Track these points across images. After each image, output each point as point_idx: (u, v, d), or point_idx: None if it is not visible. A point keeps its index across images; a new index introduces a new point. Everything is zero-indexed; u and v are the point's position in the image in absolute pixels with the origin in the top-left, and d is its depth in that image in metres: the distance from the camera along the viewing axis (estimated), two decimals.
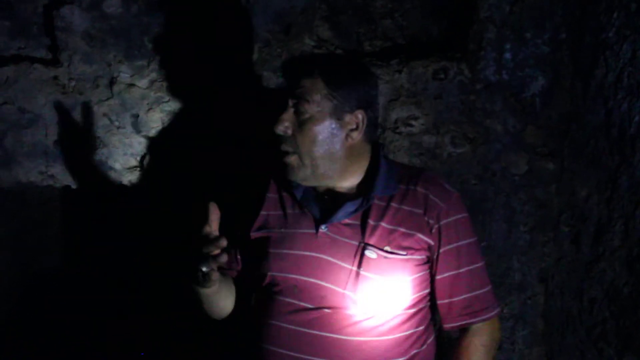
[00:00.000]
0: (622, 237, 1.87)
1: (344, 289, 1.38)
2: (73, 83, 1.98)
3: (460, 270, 1.45)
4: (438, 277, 1.46)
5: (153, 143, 2.04)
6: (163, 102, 2.01)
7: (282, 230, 1.48)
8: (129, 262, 2.34)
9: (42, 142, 2.00)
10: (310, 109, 1.40)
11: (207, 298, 1.46)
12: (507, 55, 2.02)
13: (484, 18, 2.00)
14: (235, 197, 1.58)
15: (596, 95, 1.94)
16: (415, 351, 1.44)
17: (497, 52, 2.02)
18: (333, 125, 1.41)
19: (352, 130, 1.44)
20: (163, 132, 2.03)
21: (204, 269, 1.27)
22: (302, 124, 1.40)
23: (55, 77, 1.98)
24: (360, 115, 1.44)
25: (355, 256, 1.40)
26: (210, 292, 1.41)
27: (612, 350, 1.89)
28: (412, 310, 1.44)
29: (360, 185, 1.48)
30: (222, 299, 1.53)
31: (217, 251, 1.26)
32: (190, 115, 2.03)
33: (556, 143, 2.04)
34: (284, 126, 1.41)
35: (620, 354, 1.87)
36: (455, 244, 1.45)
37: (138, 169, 2.05)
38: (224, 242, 1.25)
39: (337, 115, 1.42)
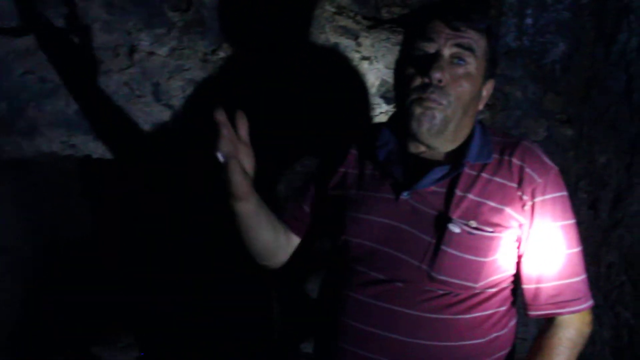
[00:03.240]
0: None
1: (420, 262, 1.26)
2: (93, 52, 1.96)
3: (552, 255, 1.29)
4: (526, 259, 1.31)
5: (174, 112, 2.04)
6: (184, 70, 2.00)
7: (360, 192, 1.37)
8: (150, 232, 2.37)
9: (63, 112, 1.99)
10: (473, 63, 1.27)
11: (243, 219, 1.34)
12: (528, 21, 2.01)
13: None
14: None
15: (618, 60, 1.94)
16: (495, 334, 1.31)
17: (518, 18, 2.01)
18: (479, 89, 1.30)
19: (483, 97, 1.35)
20: (184, 101, 2.03)
21: (219, 156, 1.19)
22: (459, 77, 1.26)
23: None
24: (491, 84, 1.36)
25: (436, 228, 1.27)
26: (244, 209, 1.31)
27: (628, 313, 1.93)
28: (493, 290, 1.30)
29: (451, 151, 1.34)
30: (258, 227, 1.40)
31: (224, 133, 1.19)
32: (212, 83, 2.02)
33: (575, 109, 2.05)
34: (444, 76, 1.25)
35: (636, 316, 1.91)
36: (549, 225, 1.28)
37: (159, 137, 2.06)
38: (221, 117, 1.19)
39: (484, 80, 1.32)
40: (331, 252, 1.44)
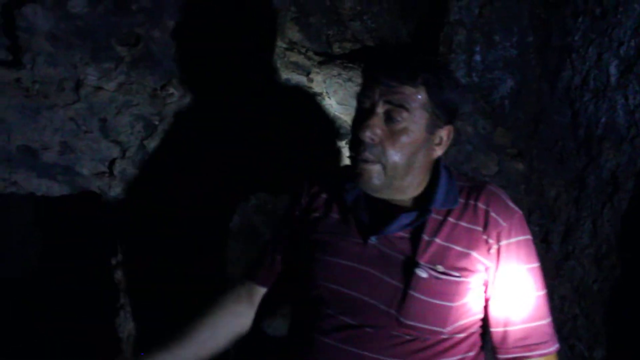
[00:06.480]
0: (591, 235, 1.92)
1: (389, 307, 1.26)
2: (37, 86, 1.89)
3: (519, 298, 1.30)
4: (493, 302, 1.31)
5: (122, 148, 1.98)
6: (132, 105, 1.96)
7: (329, 235, 1.35)
8: (94, 270, 2.28)
9: (4, 148, 1.91)
10: (408, 119, 1.26)
11: None
12: (477, 58, 2.04)
13: (454, 21, 2.02)
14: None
15: (563, 97, 1.99)
16: None
17: (467, 55, 2.04)
18: (424, 139, 1.28)
19: (436, 144, 1.32)
20: (133, 137, 1.98)
21: None
22: (394, 133, 1.26)
23: (18, 80, 1.89)
24: (448, 130, 1.33)
25: (404, 273, 1.26)
26: None
27: (582, 346, 1.94)
28: (462, 335, 1.30)
29: (417, 196, 1.34)
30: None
31: None
32: (162, 119, 1.98)
33: (525, 144, 2.08)
34: (374, 133, 1.26)
35: (591, 349, 1.92)
36: (514, 268, 1.29)
37: (107, 174, 1.99)
38: None
39: (430, 129, 1.29)
40: (300, 295, 1.41)
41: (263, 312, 2.22)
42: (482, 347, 1.37)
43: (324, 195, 1.43)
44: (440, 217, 1.30)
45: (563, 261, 2.00)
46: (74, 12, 1.88)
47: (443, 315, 1.26)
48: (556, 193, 2.02)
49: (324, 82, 2.05)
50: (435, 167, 1.36)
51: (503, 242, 1.29)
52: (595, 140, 1.91)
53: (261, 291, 1.50)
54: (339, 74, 2.06)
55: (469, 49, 2.03)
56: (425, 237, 1.28)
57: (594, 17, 1.91)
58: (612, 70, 1.86)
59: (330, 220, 1.38)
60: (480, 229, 1.29)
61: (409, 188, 1.33)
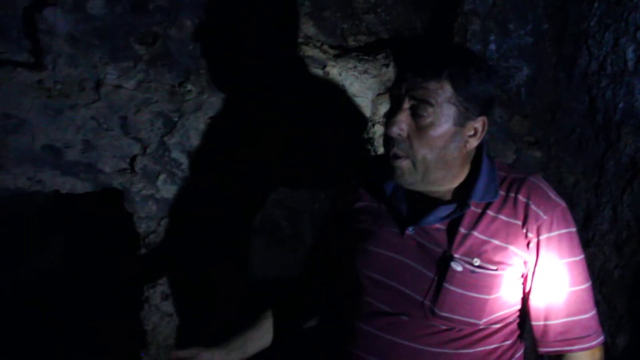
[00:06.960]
0: (611, 221, 1.91)
1: (424, 298, 1.27)
2: (58, 86, 1.94)
3: (559, 292, 1.29)
4: (533, 296, 1.31)
5: (143, 145, 2.02)
6: (151, 102, 1.99)
7: (368, 225, 1.38)
8: (117, 267, 2.32)
9: (29, 148, 1.96)
10: (434, 113, 1.25)
11: None
12: (492, 47, 2.04)
13: (468, 10, 2.02)
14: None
15: (580, 83, 1.98)
16: None
17: (481, 44, 2.04)
18: (453, 133, 1.27)
19: (470, 136, 1.30)
20: (153, 134, 2.01)
21: None
22: (420, 128, 1.26)
23: (40, 81, 1.94)
24: (482, 121, 1.30)
25: (439, 266, 1.27)
26: None
27: (605, 332, 1.92)
28: (498, 325, 1.30)
29: (457, 188, 1.34)
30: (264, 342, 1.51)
31: None
32: (180, 115, 2.02)
33: (542, 131, 2.08)
34: (400, 129, 1.26)
35: (613, 335, 1.91)
36: (555, 262, 1.28)
37: (128, 171, 2.03)
38: None
39: (460, 122, 1.27)
40: (338, 283, 1.44)
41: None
42: (521, 336, 1.37)
43: (363, 186, 1.45)
44: (479, 210, 1.30)
45: (583, 248, 1.99)
46: (93, 13, 1.93)
47: (478, 307, 1.26)
48: (575, 180, 2.01)
49: (340, 75, 2.06)
50: (477, 157, 1.35)
51: (543, 236, 1.27)
52: (614, 126, 1.89)
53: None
54: (355, 67, 2.07)
55: (483, 39, 2.03)
56: (462, 230, 1.28)
57: (610, 2, 1.90)
58: (629, 54, 1.85)
59: (369, 210, 1.40)
60: (519, 222, 1.28)
61: (445, 180, 1.32)
